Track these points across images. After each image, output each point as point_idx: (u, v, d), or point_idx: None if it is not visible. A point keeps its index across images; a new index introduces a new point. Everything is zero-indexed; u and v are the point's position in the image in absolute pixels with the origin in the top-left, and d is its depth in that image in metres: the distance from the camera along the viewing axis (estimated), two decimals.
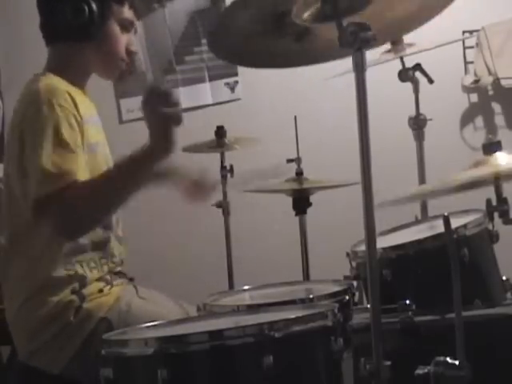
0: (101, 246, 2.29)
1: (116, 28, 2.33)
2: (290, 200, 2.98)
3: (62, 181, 2.05)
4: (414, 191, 2.47)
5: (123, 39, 2.36)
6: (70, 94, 2.18)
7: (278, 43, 1.80)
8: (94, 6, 2.26)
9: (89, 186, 2.08)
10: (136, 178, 2.08)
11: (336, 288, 2.08)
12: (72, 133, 2.13)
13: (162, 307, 2.27)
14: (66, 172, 2.06)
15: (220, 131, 3.29)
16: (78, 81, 2.34)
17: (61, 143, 2.09)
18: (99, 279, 2.27)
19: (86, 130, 2.20)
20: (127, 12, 2.35)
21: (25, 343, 2.24)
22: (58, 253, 2.20)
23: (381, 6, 1.72)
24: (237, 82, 4.15)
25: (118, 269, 2.36)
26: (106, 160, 2.34)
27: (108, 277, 2.29)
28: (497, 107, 4.09)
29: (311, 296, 2.05)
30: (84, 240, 2.22)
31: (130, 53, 2.38)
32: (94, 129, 2.29)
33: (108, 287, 2.27)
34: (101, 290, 2.25)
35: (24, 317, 2.22)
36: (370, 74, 1.61)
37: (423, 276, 2.10)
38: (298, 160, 2.98)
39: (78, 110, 2.17)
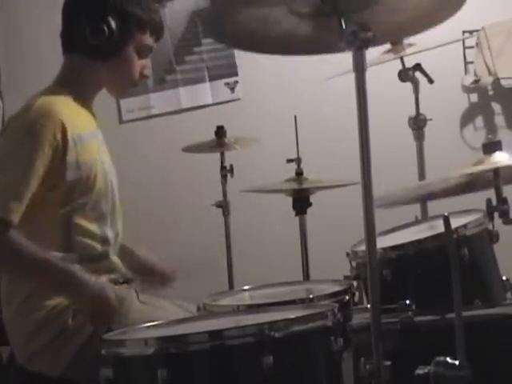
0: (96, 260, 2.27)
1: (133, 54, 2.31)
2: (289, 200, 2.98)
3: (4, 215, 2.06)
4: (412, 191, 2.47)
5: (138, 64, 2.34)
6: (61, 120, 2.15)
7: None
8: (114, 28, 2.23)
9: (28, 254, 2.09)
10: (62, 291, 2.17)
11: (336, 288, 2.08)
12: (39, 168, 2.11)
13: (162, 311, 2.26)
14: (10, 208, 2.06)
15: (220, 131, 3.29)
16: (88, 95, 2.34)
17: (24, 175, 2.09)
18: None
19: (79, 150, 2.18)
20: (148, 39, 2.33)
21: (22, 346, 2.23)
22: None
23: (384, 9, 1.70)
24: (237, 82, 4.15)
25: (121, 280, 2.34)
26: (105, 177, 2.29)
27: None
28: (497, 107, 4.08)
29: (311, 296, 2.05)
30: (77, 252, 2.22)
31: (142, 76, 2.37)
32: (92, 144, 2.27)
33: None
34: None
35: (21, 319, 2.21)
36: (370, 74, 1.61)
37: (423, 276, 2.09)
38: (297, 160, 2.98)
39: (65, 136, 2.15)
